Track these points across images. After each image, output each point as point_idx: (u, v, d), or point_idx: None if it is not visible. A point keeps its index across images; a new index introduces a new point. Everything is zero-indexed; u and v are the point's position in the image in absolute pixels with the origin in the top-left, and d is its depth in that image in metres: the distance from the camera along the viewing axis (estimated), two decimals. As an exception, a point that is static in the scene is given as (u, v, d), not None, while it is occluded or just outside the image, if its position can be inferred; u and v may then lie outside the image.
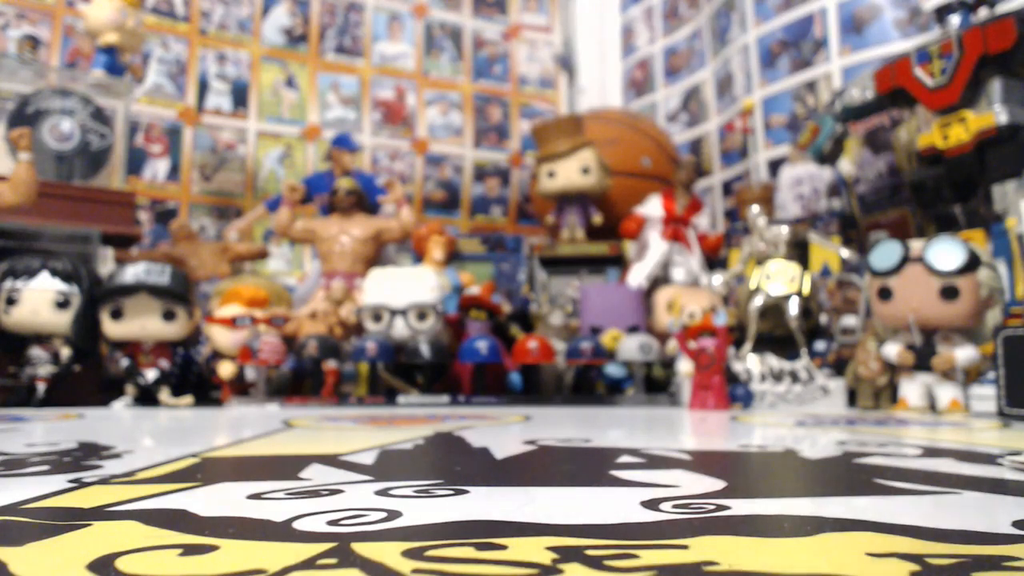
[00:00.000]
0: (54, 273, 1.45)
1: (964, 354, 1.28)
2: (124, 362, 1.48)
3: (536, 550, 0.30)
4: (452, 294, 1.85)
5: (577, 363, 1.62)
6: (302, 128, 2.72)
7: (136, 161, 2.39)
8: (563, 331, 1.76)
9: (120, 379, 1.52)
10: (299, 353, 1.56)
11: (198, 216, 2.52)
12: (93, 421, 1.04)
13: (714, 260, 2.15)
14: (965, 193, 1.61)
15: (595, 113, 2.68)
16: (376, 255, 2.00)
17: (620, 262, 2.13)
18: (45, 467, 0.55)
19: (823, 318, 1.66)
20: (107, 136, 1.82)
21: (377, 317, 1.60)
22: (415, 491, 0.44)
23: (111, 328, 1.48)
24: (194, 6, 2.60)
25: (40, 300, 1.43)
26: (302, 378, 1.68)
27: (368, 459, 0.61)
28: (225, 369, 1.55)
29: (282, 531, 0.33)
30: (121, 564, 0.28)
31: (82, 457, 0.61)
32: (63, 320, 1.45)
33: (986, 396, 1.26)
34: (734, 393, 1.44)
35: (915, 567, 0.27)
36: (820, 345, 1.62)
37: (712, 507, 0.39)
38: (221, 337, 1.62)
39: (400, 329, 1.59)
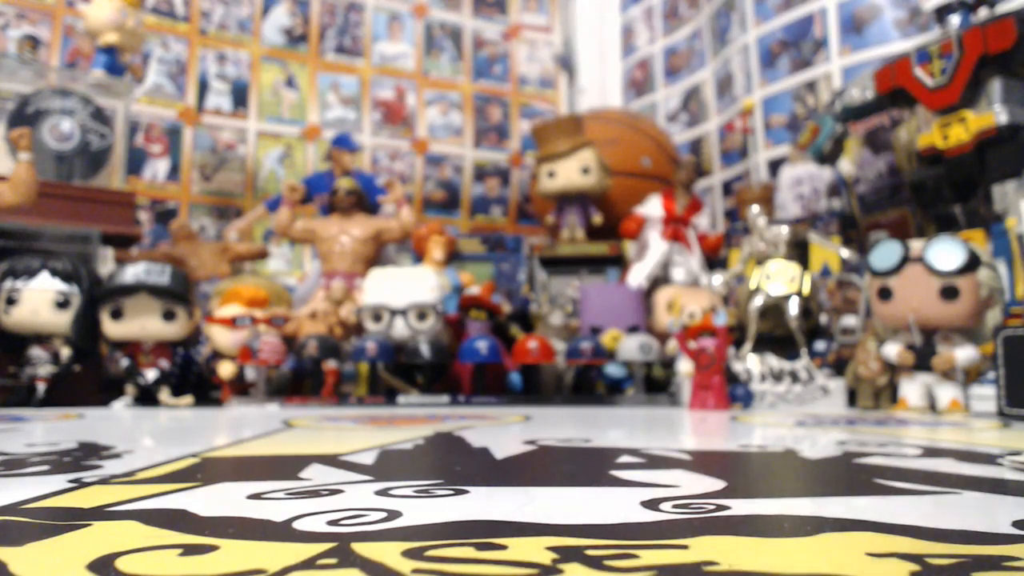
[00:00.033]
0: (54, 273, 1.45)
1: (964, 354, 1.28)
2: (124, 362, 1.48)
3: (536, 550, 0.30)
4: (452, 294, 1.85)
5: (577, 363, 1.62)
6: (302, 128, 2.72)
7: (136, 161, 2.39)
8: (563, 331, 1.76)
9: (120, 379, 1.52)
10: (299, 353, 1.56)
11: (198, 216, 2.52)
12: (93, 421, 1.04)
13: (714, 260, 2.15)
14: (965, 193, 1.61)
15: (595, 113, 2.68)
16: (376, 255, 2.00)
17: (620, 262, 2.13)
18: (45, 467, 0.55)
19: (823, 318, 1.66)
20: (107, 136, 1.82)
21: (377, 317, 1.60)
22: (415, 491, 0.44)
23: (111, 328, 1.48)
24: (194, 6, 2.60)
25: (40, 300, 1.43)
26: (302, 378, 1.68)
27: (368, 459, 0.61)
28: (225, 369, 1.55)
29: (282, 531, 0.33)
30: (121, 564, 0.28)
31: (82, 457, 0.61)
32: (63, 320, 1.45)
33: (986, 396, 1.26)
34: (734, 393, 1.44)
35: (915, 567, 0.27)
36: (820, 345, 1.62)
37: (712, 507, 0.39)
38: (221, 337, 1.62)
39: (400, 329, 1.59)
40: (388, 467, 0.57)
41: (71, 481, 0.48)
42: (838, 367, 1.54)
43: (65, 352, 1.46)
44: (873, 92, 1.76)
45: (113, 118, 1.86)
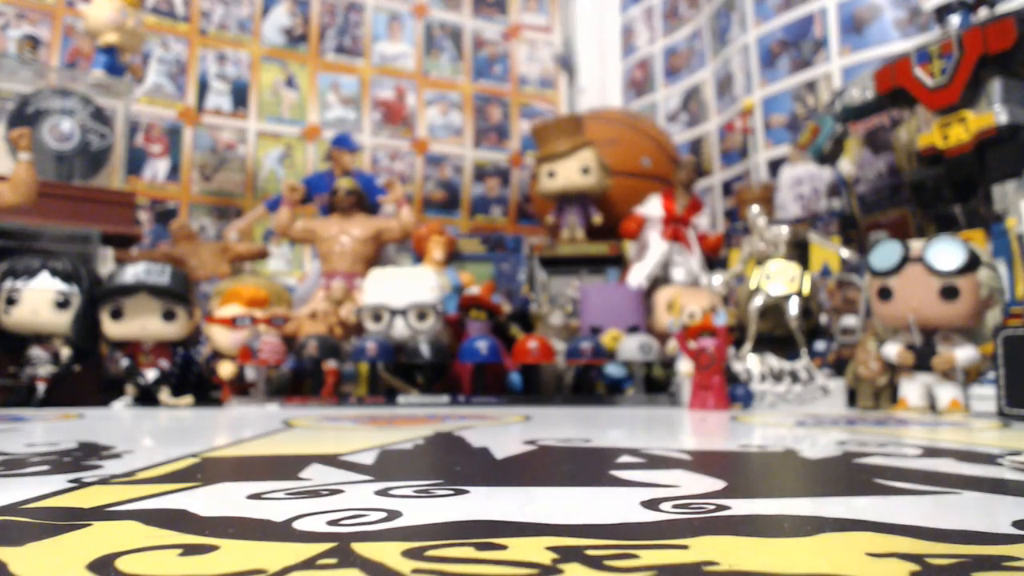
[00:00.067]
0: (54, 273, 1.45)
1: (964, 354, 1.28)
2: (124, 362, 1.48)
3: (536, 550, 0.30)
4: (452, 294, 1.85)
5: (577, 363, 1.62)
6: (302, 128, 2.72)
7: (136, 161, 2.39)
8: (563, 331, 1.76)
9: (120, 379, 1.52)
10: (299, 353, 1.56)
11: (198, 216, 2.52)
12: (93, 421, 1.04)
13: (714, 260, 2.15)
14: (965, 193, 1.61)
15: (595, 113, 2.68)
16: (376, 255, 2.00)
17: (620, 262, 2.13)
18: (45, 467, 0.55)
19: (823, 318, 1.66)
20: (107, 136, 1.82)
21: (377, 317, 1.60)
22: (415, 491, 0.44)
23: (111, 328, 1.48)
24: (194, 6, 2.60)
25: (40, 300, 1.43)
26: (302, 378, 1.68)
27: (368, 459, 0.61)
28: (225, 369, 1.55)
29: (282, 531, 0.33)
30: (121, 564, 0.28)
31: (82, 457, 0.61)
32: (63, 320, 1.45)
33: (986, 396, 1.26)
34: (734, 393, 1.44)
35: (915, 567, 0.27)
36: (820, 345, 1.62)
37: (712, 507, 0.39)
38: (221, 337, 1.62)
39: (400, 329, 1.59)
40: (388, 467, 0.57)
41: (71, 481, 0.48)
42: (838, 367, 1.54)
43: (65, 352, 1.46)
44: (873, 92, 1.76)
45: (113, 118, 1.86)
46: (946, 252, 1.27)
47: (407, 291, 1.61)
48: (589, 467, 0.56)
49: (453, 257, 2.12)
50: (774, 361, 1.48)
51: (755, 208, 1.75)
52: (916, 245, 1.31)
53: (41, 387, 1.43)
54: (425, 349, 1.57)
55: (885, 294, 1.32)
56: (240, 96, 2.64)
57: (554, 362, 1.64)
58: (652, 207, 2.10)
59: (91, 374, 1.55)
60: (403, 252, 2.21)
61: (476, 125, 3.01)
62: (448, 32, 3.04)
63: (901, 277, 1.30)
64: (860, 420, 1.09)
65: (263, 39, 2.70)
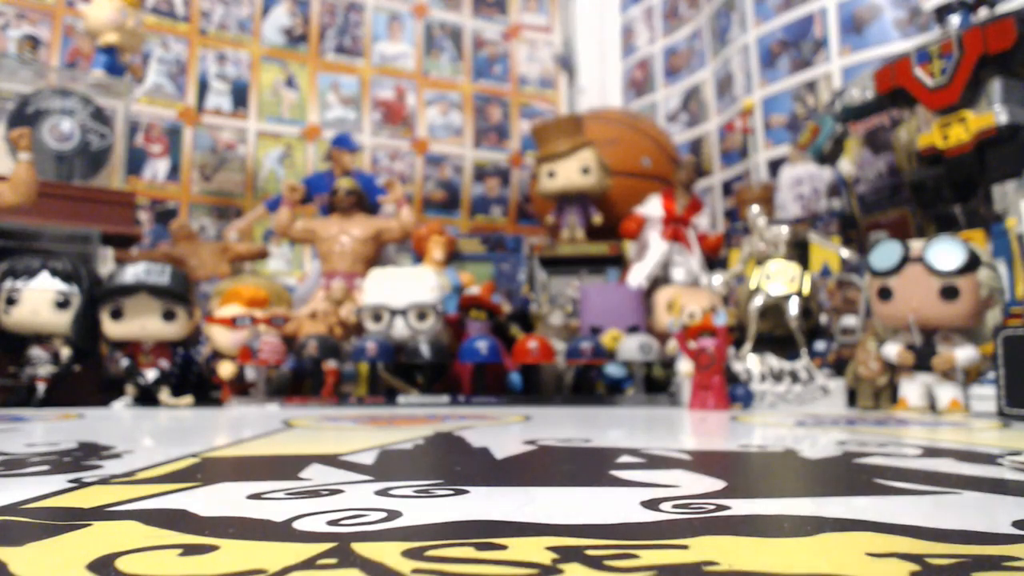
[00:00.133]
0: (54, 273, 1.45)
1: (964, 354, 1.28)
2: (124, 362, 1.48)
3: (536, 550, 0.30)
4: (452, 294, 1.85)
5: (577, 363, 1.62)
6: (302, 128, 2.72)
7: (136, 161, 2.39)
8: (563, 331, 1.76)
9: (120, 379, 1.52)
10: (299, 353, 1.56)
11: (198, 216, 2.52)
12: (93, 421, 1.04)
13: (714, 260, 2.15)
14: (965, 193, 1.61)
15: (595, 113, 2.68)
16: (376, 255, 2.00)
17: (620, 262, 2.13)
18: (45, 467, 0.55)
19: (823, 318, 1.66)
20: (107, 136, 1.82)
21: (377, 317, 1.60)
22: (415, 491, 0.44)
23: (111, 328, 1.48)
24: (194, 6, 2.60)
25: (40, 300, 1.43)
26: (302, 378, 1.68)
27: (368, 459, 0.61)
28: (225, 369, 1.55)
29: (282, 531, 0.33)
30: (121, 564, 0.28)
31: (82, 457, 0.61)
32: (63, 320, 1.45)
33: (986, 396, 1.26)
34: (734, 393, 1.44)
35: (915, 567, 0.27)
36: (820, 345, 1.62)
37: (712, 507, 0.39)
38: (221, 337, 1.62)
39: (400, 329, 1.59)
40: (388, 467, 0.57)
41: (71, 481, 0.48)
42: (838, 367, 1.54)
43: (65, 352, 1.46)
44: (873, 92, 1.76)
45: (113, 118, 1.86)
46: (946, 252, 1.27)
47: (407, 291, 1.61)
48: (589, 467, 0.56)
49: (453, 257, 2.12)
50: (774, 361, 1.48)
51: (755, 208, 1.75)
52: (916, 245, 1.31)
53: (41, 387, 1.43)
54: (425, 349, 1.57)
55: (885, 294, 1.32)
56: (240, 96, 2.64)
57: (554, 362, 1.64)
58: (652, 207, 2.10)
59: (91, 374, 1.55)
60: (403, 252, 2.21)
61: (476, 125, 3.01)
62: (448, 32, 3.04)
63: (901, 277, 1.30)
64: (860, 420, 1.09)
65: (263, 39, 2.71)
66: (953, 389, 1.29)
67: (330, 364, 1.56)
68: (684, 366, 1.48)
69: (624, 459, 0.61)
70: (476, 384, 1.63)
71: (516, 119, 3.07)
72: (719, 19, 2.76)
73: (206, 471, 0.55)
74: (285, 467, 0.57)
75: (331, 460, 0.60)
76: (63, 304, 1.45)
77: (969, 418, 1.16)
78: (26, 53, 2.09)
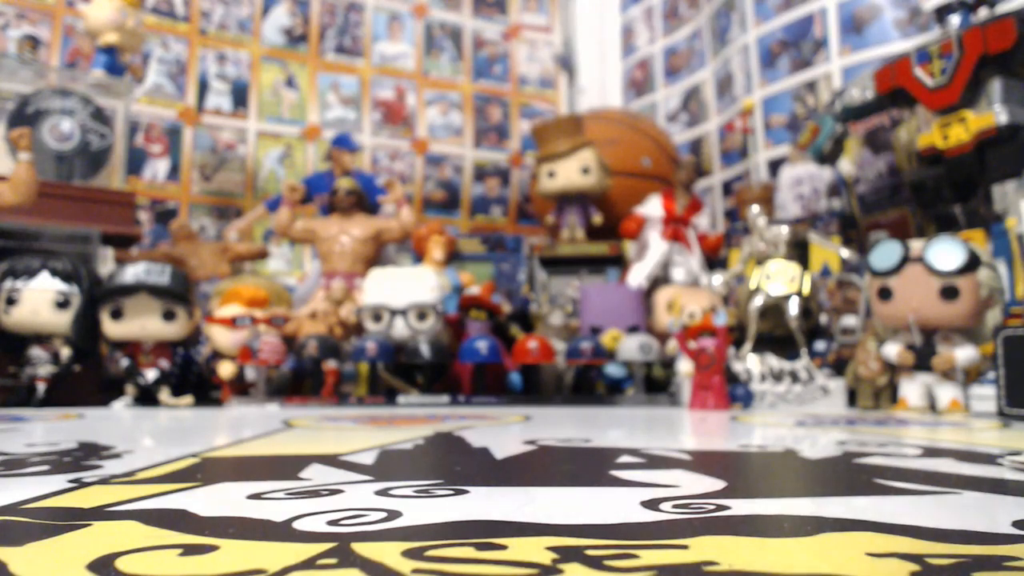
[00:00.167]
0: (54, 273, 1.45)
1: (964, 354, 1.28)
2: (124, 362, 1.48)
3: (536, 550, 0.30)
4: (452, 294, 1.85)
5: (577, 363, 1.62)
6: (302, 128, 2.72)
7: (136, 161, 2.39)
8: (563, 331, 1.76)
9: (120, 379, 1.52)
10: (299, 353, 1.56)
11: (198, 216, 2.52)
12: (93, 421, 1.04)
13: (714, 260, 2.15)
14: (965, 193, 1.61)
15: (595, 113, 2.68)
16: (376, 255, 2.00)
17: (620, 262, 2.13)
18: (45, 467, 0.55)
19: (823, 318, 1.66)
20: (107, 136, 1.82)
21: (377, 317, 1.60)
22: (415, 491, 0.44)
23: (111, 328, 1.48)
24: (194, 6, 2.60)
25: (40, 300, 1.43)
26: (302, 378, 1.68)
27: (368, 459, 0.61)
28: (225, 369, 1.55)
29: (282, 531, 0.33)
30: (121, 564, 0.28)
31: (82, 457, 0.61)
32: (63, 320, 1.45)
33: (986, 396, 1.26)
34: (734, 393, 1.44)
35: (915, 567, 0.27)
36: (820, 345, 1.62)
37: (712, 507, 0.39)
38: (221, 337, 1.62)
39: (400, 329, 1.59)
40: (388, 467, 0.57)
41: (71, 481, 0.48)
42: (838, 367, 1.54)
43: (65, 352, 1.46)
44: (873, 92, 1.76)
45: (113, 118, 1.86)
46: (946, 252, 1.27)
47: (407, 291, 1.61)
48: (589, 467, 0.56)
49: (453, 257, 2.12)
50: (774, 361, 1.48)
51: (755, 208, 1.75)
52: (916, 245, 1.31)
53: (41, 387, 1.43)
54: (425, 349, 1.57)
55: (885, 294, 1.32)
56: (240, 96, 2.64)
57: (554, 362, 1.64)
58: (652, 207, 2.10)
59: (91, 374, 1.55)
60: (403, 252, 2.21)
61: (476, 125, 3.01)
62: (448, 32, 3.04)
63: (901, 277, 1.30)
64: (860, 420, 1.09)
65: (263, 39, 2.71)
66: (953, 389, 1.29)
67: (330, 364, 1.56)
68: (684, 366, 1.48)
69: (624, 459, 0.61)
70: (476, 384, 1.63)
71: (516, 119, 3.07)
72: (719, 19, 2.76)
73: (206, 471, 0.55)
74: (285, 467, 0.57)
75: (331, 460, 0.60)
76: (63, 304, 1.45)
77: (969, 418, 1.16)
78: (26, 53, 2.09)
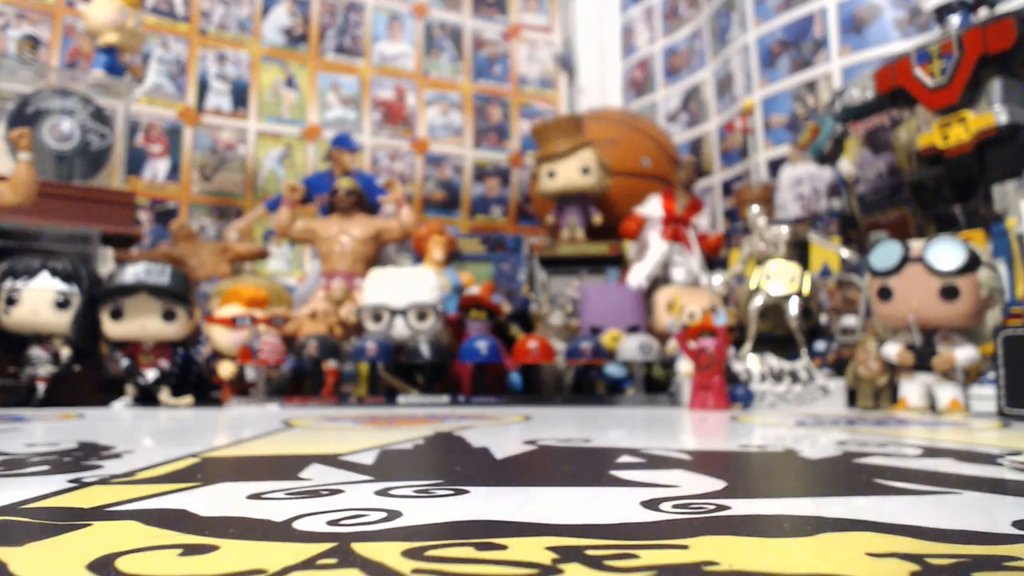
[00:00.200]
0: (54, 273, 1.45)
1: (964, 354, 1.28)
2: (124, 362, 1.48)
3: (536, 550, 0.30)
4: (452, 294, 1.85)
5: (577, 363, 1.62)
6: (302, 128, 2.72)
7: (136, 161, 2.39)
8: (563, 331, 1.76)
9: (120, 379, 1.52)
10: (299, 353, 1.56)
11: (198, 216, 2.52)
12: (93, 421, 1.04)
13: (714, 260, 2.15)
14: (965, 193, 1.61)
15: (595, 113, 2.68)
16: (376, 255, 2.00)
17: (620, 262, 2.13)
18: (45, 467, 0.55)
19: (823, 318, 1.66)
20: (107, 136, 1.82)
21: (377, 317, 1.60)
22: (415, 491, 0.44)
23: (111, 328, 1.48)
24: (194, 6, 2.60)
25: (40, 300, 1.43)
26: (302, 378, 1.68)
27: (368, 459, 0.61)
28: (225, 369, 1.55)
29: (282, 531, 0.33)
30: (121, 564, 0.28)
31: (82, 457, 0.61)
32: (63, 320, 1.45)
33: (986, 396, 1.26)
34: (734, 393, 1.44)
35: (915, 567, 0.27)
36: (820, 345, 1.62)
37: (712, 507, 0.39)
38: (221, 337, 1.62)
39: (400, 329, 1.59)
40: (388, 467, 0.57)
41: (71, 481, 0.48)
42: (838, 367, 1.54)
43: (65, 352, 1.46)
44: (873, 92, 1.76)
45: (113, 118, 1.86)
46: (946, 252, 1.27)
47: (407, 291, 1.61)
48: (589, 467, 0.56)
49: (453, 257, 2.12)
50: (774, 361, 1.48)
51: (755, 208, 1.75)
52: (916, 245, 1.31)
53: (41, 387, 1.43)
54: (425, 349, 1.57)
55: (885, 294, 1.32)
56: (240, 96, 2.64)
57: (554, 362, 1.64)
58: (652, 207, 2.10)
59: (91, 374, 1.55)
60: (403, 252, 2.21)
61: (476, 125, 3.01)
62: (448, 32, 3.04)
63: (901, 277, 1.30)
64: (860, 420, 1.09)
65: (263, 39, 2.71)
66: (953, 389, 1.29)
67: (330, 364, 1.56)
68: (684, 366, 1.48)
69: (624, 459, 0.61)
70: (476, 384, 1.63)
71: (516, 119, 3.07)
72: (719, 19, 2.76)
73: (206, 471, 0.55)
74: (285, 467, 0.57)
75: (331, 460, 0.60)
76: (63, 304, 1.45)
77: (969, 418, 1.16)
78: (26, 53, 2.09)
